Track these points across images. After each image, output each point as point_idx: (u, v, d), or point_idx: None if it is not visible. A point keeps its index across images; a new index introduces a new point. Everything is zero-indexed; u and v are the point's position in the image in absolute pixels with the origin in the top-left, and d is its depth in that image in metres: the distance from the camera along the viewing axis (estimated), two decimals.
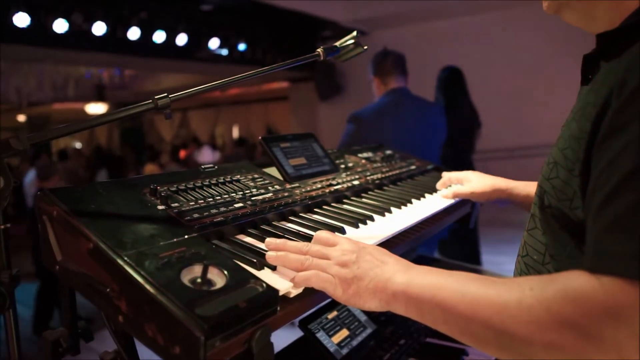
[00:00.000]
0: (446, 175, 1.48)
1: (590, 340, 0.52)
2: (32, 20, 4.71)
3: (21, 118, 14.87)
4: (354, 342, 1.15)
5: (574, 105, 0.78)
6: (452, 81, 3.93)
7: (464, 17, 6.99)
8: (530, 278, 0.60)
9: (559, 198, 0.73)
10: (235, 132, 15.00)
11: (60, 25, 4.91)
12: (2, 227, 0.77)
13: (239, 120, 15.10)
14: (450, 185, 1.44)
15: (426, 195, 1.38)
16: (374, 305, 0.71)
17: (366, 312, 1.25)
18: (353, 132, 2.58)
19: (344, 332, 1.16)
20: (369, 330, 1.21)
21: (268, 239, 0.82)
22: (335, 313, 1.19)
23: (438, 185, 1.46)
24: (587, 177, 0.64)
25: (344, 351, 1.11)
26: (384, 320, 1.27)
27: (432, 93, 4.12)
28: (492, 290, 0.61)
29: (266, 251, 0.79)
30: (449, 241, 4.02)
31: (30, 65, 9.07)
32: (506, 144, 6.58)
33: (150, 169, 7.32)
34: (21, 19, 4.64)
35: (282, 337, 0.89)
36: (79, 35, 5.13)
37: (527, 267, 0.83)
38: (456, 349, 1.25)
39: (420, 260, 1.67)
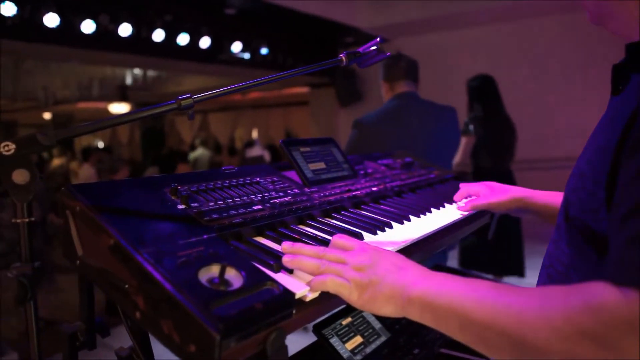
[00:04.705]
0: (464, 187, 1.44)
1: (610, 351, 0.51)
2: (61, 21, 4.82)
3: (47, 116, 15.20)
4: (368, 350, 1.14)
5: (603, 115, 0.77)
6: (487, 89, 3.91)
7: (487, 25, 6.94)
8: (550, 287, 0.60)
9: (584, 210, 0.71)
10: (255, 135, 15.10)
11: (88, 26, 5.02)
12: (27, 220, 0.78)
13: (258, 124, 15.19)
14: (467, 198, 1.42)
15: (445, 204, 1.37)
16: (389, 311, 0.71)
17: (380, 320, 1.24)
18: (355, 138, 2.52)
19: (358, 339, 1.15)
20: (383, 338, 1.20)
21: (284, 243, 0.82)
22: (349, 319, 1.19)
23: (455, 197, 1.43)
24: (613, 189, 0.63)
25: (357, 358, 1.11)
26: (398, 329, 1.26)
27: (455, 101, 4.09)
28: (510, 298, 0.60)
29: (283, 254, 0.79)
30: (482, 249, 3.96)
31: (57, 64, 9.28)
32: (528, 155, 6.49)
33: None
34: (51, 19, 4.75)
35: (296, 341, 0.89)
36: (105, 36, 5.23)
37: (550, 279, 0.81)
38: None
39: (437, 269, 1.65)
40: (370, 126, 2.54)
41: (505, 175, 3.89)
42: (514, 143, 4.01)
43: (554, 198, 1.21)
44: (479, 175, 3.82)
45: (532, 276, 4.22)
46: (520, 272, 4.09)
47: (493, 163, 3.90)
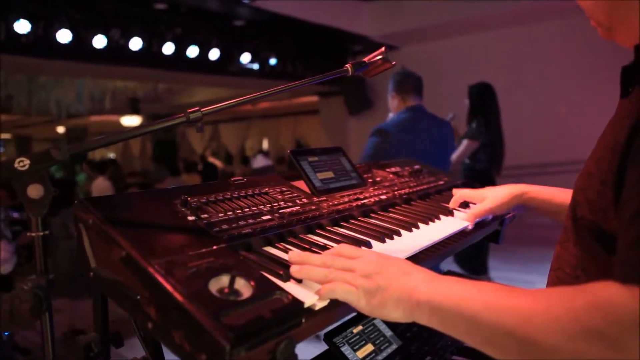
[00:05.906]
0: (458, 193, 1.39)
1: (618, 350, 0.51)
2: (73, 37, 4.93)
3: (60, 129, 15.43)
4: (379, 358, 1.14)
5: (612, 117, 0.77)
6: (485, 97, 3.95)
7: (495, 30, 6.94)
8: (558, 288, 0.60)
9: (592, 210, 0.72)
10: (265, 145, 15.18)
11: (99, 41, 5.12)
12: (41, 233, 0.80)
13: (268, 133, 15.27)
14: (463, 204, 1.40)
15: (454, 211, 1.37)
16: (398, 316, 0.71)
17: (392, 328, 1.23)
18: (378, 145, 2.74)
19: (369, 347, 1.15)
20: (394, 346, 1.20)
21: (291, 252, 0.83)
22: (360, 327, 1.19)
23: (451, 204, 1.38)
24: (621, 189, 0.64)
25: None
26: (409, 337, 1.25)
27: (462, 106, 4.11)
28: (517, 299, 0.60)
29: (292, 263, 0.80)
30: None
31: (70, 78, 9.44)
32: (537, 159, 6.44)
33: None
34: (64, 36, 4.86)
35: (307, 350, 0.90)
36: (117, 50, 5.34)
37: (558, 280, 0.81)
38: None
39: (447, 274, 1.64)
40: (394, 133, 2.79)
41: (488, 181, 3.90)
42: (503, 152, 4.06)
43: (550, 191, 1.23)
44: (466, 177, 3.85)
45: (539, 281, 4.19)
46: (484, 271, 4.11)
47: (485, 168, 3.92)
